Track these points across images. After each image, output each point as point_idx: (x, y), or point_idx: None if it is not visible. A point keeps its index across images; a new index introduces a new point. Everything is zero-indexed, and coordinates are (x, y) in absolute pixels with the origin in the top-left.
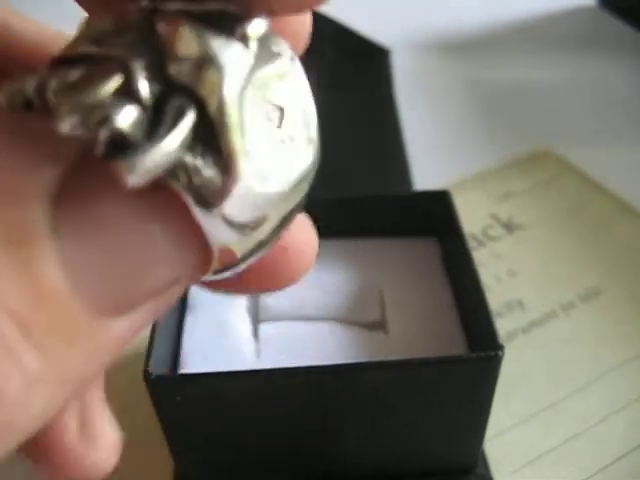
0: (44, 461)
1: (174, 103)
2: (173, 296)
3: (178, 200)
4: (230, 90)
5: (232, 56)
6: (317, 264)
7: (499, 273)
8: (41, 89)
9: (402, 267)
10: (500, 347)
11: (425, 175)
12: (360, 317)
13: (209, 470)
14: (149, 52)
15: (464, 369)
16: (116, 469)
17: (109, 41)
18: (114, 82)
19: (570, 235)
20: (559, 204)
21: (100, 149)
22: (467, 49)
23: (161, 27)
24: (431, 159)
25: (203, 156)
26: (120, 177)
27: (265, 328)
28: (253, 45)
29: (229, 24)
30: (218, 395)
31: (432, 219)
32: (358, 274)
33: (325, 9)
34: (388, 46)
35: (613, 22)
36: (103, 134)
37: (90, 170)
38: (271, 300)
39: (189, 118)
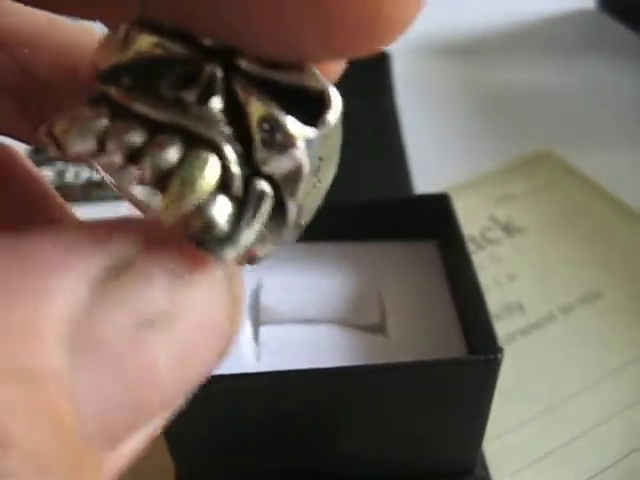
0: None
1: (256, 187)
2: (174, 409)
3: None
4: (306, 185)
5: (312, 149)
6: (317, 267)
7: (498, 276)
8: (133, 156)
9: (402, 270)
10: (499, 350)
11: (425, 178)
12: (360, 320)
13: (210, 472)
14: (234, 131)
15: (463, 372)
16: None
17: (183, 100)
18: (214, 174)
19: (569, 238)
20: (558, 207)
21: (194, 241)
22: (467, 52)
23: (243, 101)
24: (431, 162)
25: (269, 231)
26: (209, 265)
27: (265, 331)
28: (329, 127)
29: (309, 106)
30: (218, 397)
31: (431, 222)
32: (358, 277)
33: None
34: (389, 50)
35: (613, 25)
36: (205, 237)
37: (98, 306)
38: (271, 303)
39: (269, 203)
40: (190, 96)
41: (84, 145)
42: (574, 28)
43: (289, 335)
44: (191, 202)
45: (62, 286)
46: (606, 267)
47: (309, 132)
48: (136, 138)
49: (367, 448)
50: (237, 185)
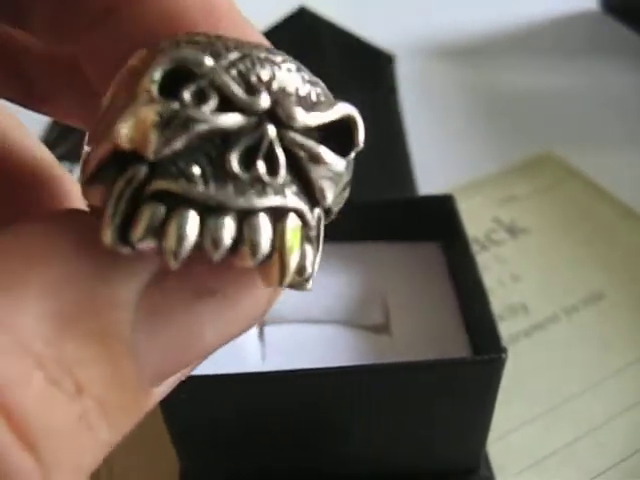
0: None
1: (322, 223)
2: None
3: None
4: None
5: (349, 169)
6: (322, 268)
7: (502, 277)
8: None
9: (406, 271)
10: (503, 350)
11: (429, 179)
12: (364, 320)
13: (213, 469)
14: (297, 182)
15: (467, 372)
16: (123, 468)
17: (259, 177)
18: (301, 234)
19: (573, 239)
20: (562, 208)
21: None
22: (470, 54)
23: (295, 152)
24: (435, 163)
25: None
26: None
27: (270, 330)
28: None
29: (341, 132)
30: (223, 397)
31: (436, 223)
32: (362, 277)
33: (329, 15)
34: (392, 52)
35: (616, 27)
36: (295, 281)
37: (162, 283)
38: (276, 303)
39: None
40: (262, 167)
41: (185, 254)
42: (577, 30)
43: (294, 335)
44: (293, 274)
45: (136, 267)
46: (609, 268)
47: (348, 159)
48: (230, 232)
49: (372, 448)
50: (313, 231)
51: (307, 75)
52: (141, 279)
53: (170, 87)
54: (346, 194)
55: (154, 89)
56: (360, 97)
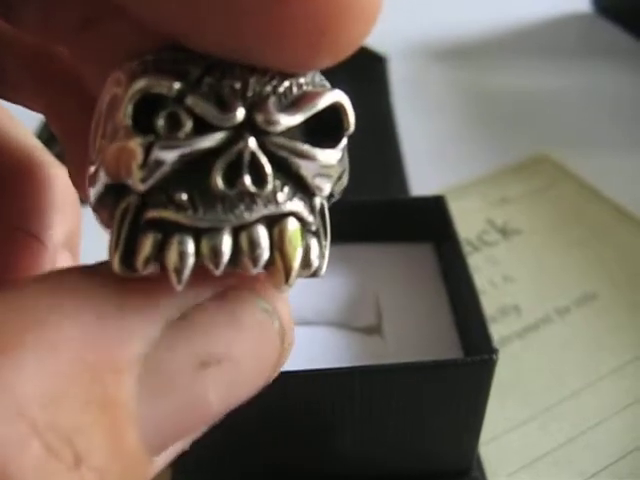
0: None
1: (325, 214)
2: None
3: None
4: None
5: (344, 157)
6: None
7: (494, 278)
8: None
9: (398, 272)
10: (494, 351)
11: (421, 181)
12: (356, 321)
13: (206, 471)
14: (297, 189)
15: (459, 373)
16: None
17: (246, 190)
18: (300, 235)
19: (566, 240)
20: (555, 210)
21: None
22: (464, 56)
23: (278, 155)
24: (427, 165)
25: None
26: (265, 315)
27: None
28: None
29: (337, 131)
30: None
31: (428, 224)
32: (354, 279)
33: None
34: (385, 53)
35: (609, 29)
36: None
37: (168, 346)
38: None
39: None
40: (248, 181)
41: (188, 272)
42: (571, 31)
43: None
44: (298, 272)
45: (141, 329)
46: (602, 269)
47: (340, 147)
48: (227, 247)
49: (363, 449)
50: (314, 226)
51: None
52: (144, 343)
53: (150, 111)
54: (345, 179)
55: (128, 123)
56: (352, 98)
